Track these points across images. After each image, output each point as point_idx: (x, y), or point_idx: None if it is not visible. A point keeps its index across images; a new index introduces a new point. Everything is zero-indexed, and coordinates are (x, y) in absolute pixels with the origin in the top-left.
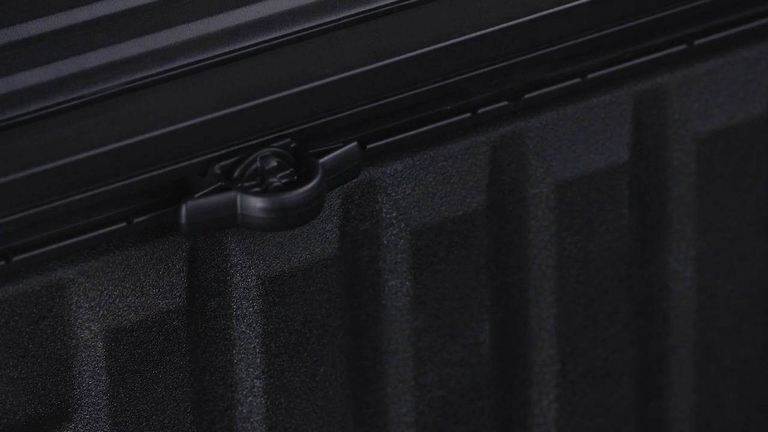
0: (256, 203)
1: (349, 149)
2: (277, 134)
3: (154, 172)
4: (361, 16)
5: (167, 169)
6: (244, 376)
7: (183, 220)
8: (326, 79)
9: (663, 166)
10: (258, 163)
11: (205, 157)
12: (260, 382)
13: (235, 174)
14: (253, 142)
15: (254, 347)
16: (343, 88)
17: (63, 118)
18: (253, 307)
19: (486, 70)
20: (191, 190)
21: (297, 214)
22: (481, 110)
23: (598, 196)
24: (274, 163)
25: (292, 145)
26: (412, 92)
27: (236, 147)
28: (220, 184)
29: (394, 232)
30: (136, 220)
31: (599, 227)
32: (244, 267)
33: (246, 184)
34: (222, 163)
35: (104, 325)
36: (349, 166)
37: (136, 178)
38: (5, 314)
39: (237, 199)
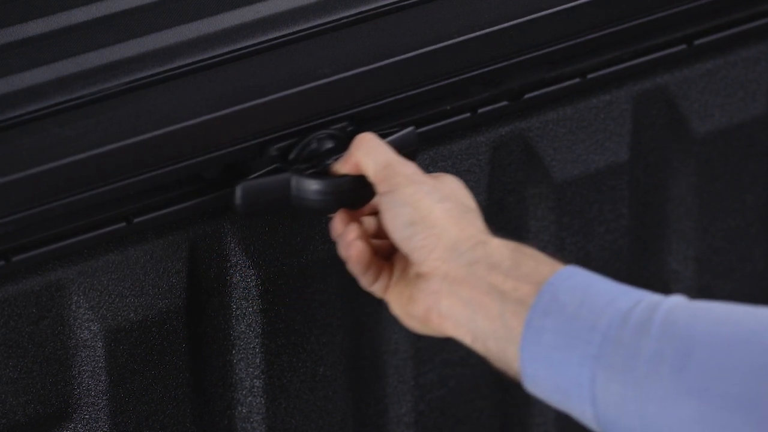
0: (311, 185)
1: (405, 133)
2: (334, 117)
3: (212, 154)
4: (361, 16)
5: (224, 150)
6: (244, 376)
7: (238, 200)
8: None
9: (663, 166)
10: (314, 145)
11: (261, 139)
12: (260, 382)
13: (291, 156)
14: (310, 124)
15: (254, 347)
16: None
17: (63, 118)
18: (253, 307)
19: (486, 70)
20: (247, 172)
21: (351, 197)
22: (481, 110)
23: (598, 196)
24: (330, 144)
25: (349, 128)
26: (411, 92)
27: (293, 129)
28: (275, 165)
29: None
30: (135, 220)
31: (599, 227)
32: (244, 267)
33: (301, 166)
34: (278, 145)
35: (104, 325)
36: (405, 150)
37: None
38: (5, 314)
39: (291, 181)
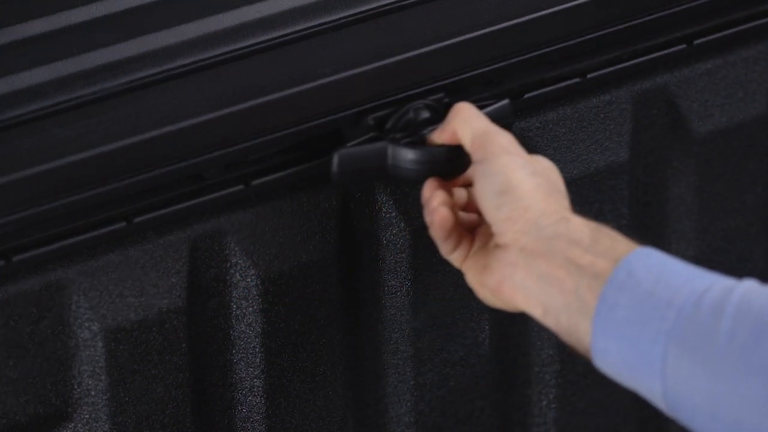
0: (407, 154)
1: (500, 106)
2: (430, 87)
3: (310, 124)
4: (360, 16)
5: (322, 120)
6: (244, 376)
7: (335, 168)
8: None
9: (663, 165)
10: (410, 115)
11: (358, 109)
12: (260, 382)
13: (388, 125)
14: (407, 94)
15: (254, 347)
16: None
17: (63, 118)
18: (253, 307)
19: (486, 70)
20: (344, 141)
21: (446, 167)
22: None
23: (598, 196)
24: (426, 114)
25: (445, 100)
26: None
27: (390, 99)
28: (372, 134)
29: (394, 231)
30: (135, 220)
31: None
32: (244, 267)
33: (398, 136)
34: (375, 114)
35: (104, 325)
36: (500, 122)
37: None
38: (5, 314)
39: (388, 150)
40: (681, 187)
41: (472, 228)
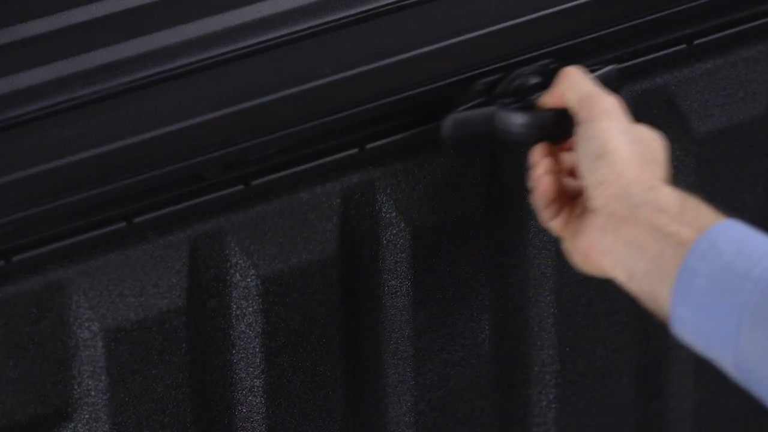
0: (517, 119)
1: (607, 71)
2: (539, 53)
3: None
4: (362, 15)
5: (433, 85)
6: (244, 376)
7: (448, 131)
8: None
9: None
10: (519, 80)
11: (468, 74)
12: (260, 382)
13: (497, 90)
14: (516, 60)
15: (254, 347)
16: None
17: (63, 118)
18: (252, 306)
19: (486, 69)
20: (454, 106)
21: (554, 131)
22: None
23: None
24: (534, 80)
25: (553, 65)
26: (412, 92)
27: (499, 65)
28: (481, 99)
29: (394, 231)
30: (135, 220)
31: None
32: (244, 267)
33: (507, 101)
34: (485, 80)
35: (104, 325)
36: (608, 87)
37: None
38: (5, 314)
39: (497, 114)
40: (681, 187)
41: (575, 195)
